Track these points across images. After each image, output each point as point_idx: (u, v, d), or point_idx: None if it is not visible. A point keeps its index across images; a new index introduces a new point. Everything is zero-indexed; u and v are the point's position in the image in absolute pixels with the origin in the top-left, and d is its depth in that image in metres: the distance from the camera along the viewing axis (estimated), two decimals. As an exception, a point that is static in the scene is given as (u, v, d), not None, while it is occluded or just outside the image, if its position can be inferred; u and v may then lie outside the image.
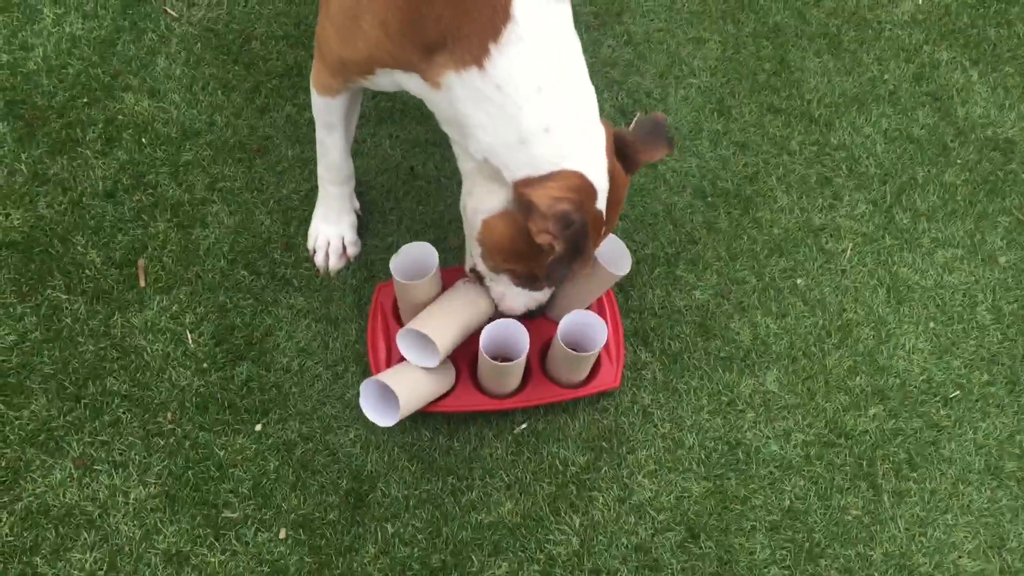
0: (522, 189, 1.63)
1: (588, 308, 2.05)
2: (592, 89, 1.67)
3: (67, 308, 2.08)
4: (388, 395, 1.86)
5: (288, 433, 2.01)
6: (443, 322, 1.88)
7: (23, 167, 2.20)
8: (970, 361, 2.22)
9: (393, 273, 1.91)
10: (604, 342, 1.90)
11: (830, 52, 2.58)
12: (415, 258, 1.95)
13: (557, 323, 1.95)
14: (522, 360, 1.88)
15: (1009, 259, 2.35)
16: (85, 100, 2.30)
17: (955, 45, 2.63)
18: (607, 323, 1.99)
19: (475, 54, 1.57)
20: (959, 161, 2.47)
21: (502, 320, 1.91)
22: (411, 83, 1.71)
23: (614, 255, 1.96)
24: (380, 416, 1.85)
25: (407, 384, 1.86)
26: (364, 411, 1.85)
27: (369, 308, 2.10)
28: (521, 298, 1.91)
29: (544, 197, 1.60)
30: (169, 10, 2.45)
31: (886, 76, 2.56)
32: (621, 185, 1.73)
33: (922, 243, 2.35)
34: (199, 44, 2.41)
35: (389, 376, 1.86)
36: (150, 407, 2.01)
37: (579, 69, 1.65)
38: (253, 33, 2.44)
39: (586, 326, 1.94)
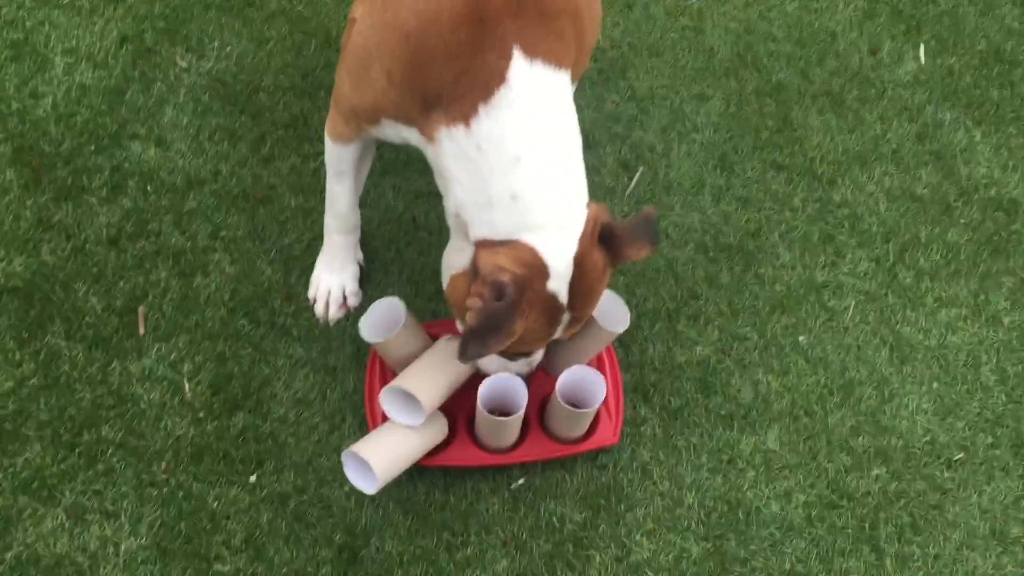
0: (477, 249, 1.63)
1: (588, 363, 2.03)
2: (580, 168, 1.66)
3: (66, 355, 2.07)
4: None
5: (283, 485, 1.99)
6: (426, 378, 1.87)
7: (28, 212, 2.22)
8: (974, 423, 2.19)
9: (363, 335, 1.91)
10: (603, 398, 1.89)
11: (833, 111, 2.59)
12: (385, 313, 1.95)
13: (555, 377, 1.93)
14: (520, 415, 1.86)
15: (1013, 320, 2.33)
16: (92, 148, 2.33)
17: (958, 105, 2.64)
18: (606, 378, 1.98)
19: (464, 112, 1.59)
20: (962, 221, 2.46)
21: (500, 375, 1.89)
22: (412, 136, 1.73)
23: (612, 312, 1.95)
24: (365, 481, 1.83)
25: (385, 451, 1.83)
26: (348, 477, 1.83)
27: (367, 359, 2.09)
28: (496, 362, 1.89)
29: (488, 262, 1.59)
30: (179, 61, 2.48)
31: (889, 135, 2.57)
32: (595, 274, 1.68)
33: (925, 302, 2.33)
34: (207, 94, 2.43)
35: (365, 445, 1.84)
36: (144, 456, 1.99)
37: (567, 145, 1.64)
38: (260, 84, 2.46)
39: (585, 381, 1.93)
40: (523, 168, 1.58)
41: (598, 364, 2.07)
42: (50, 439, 1.99)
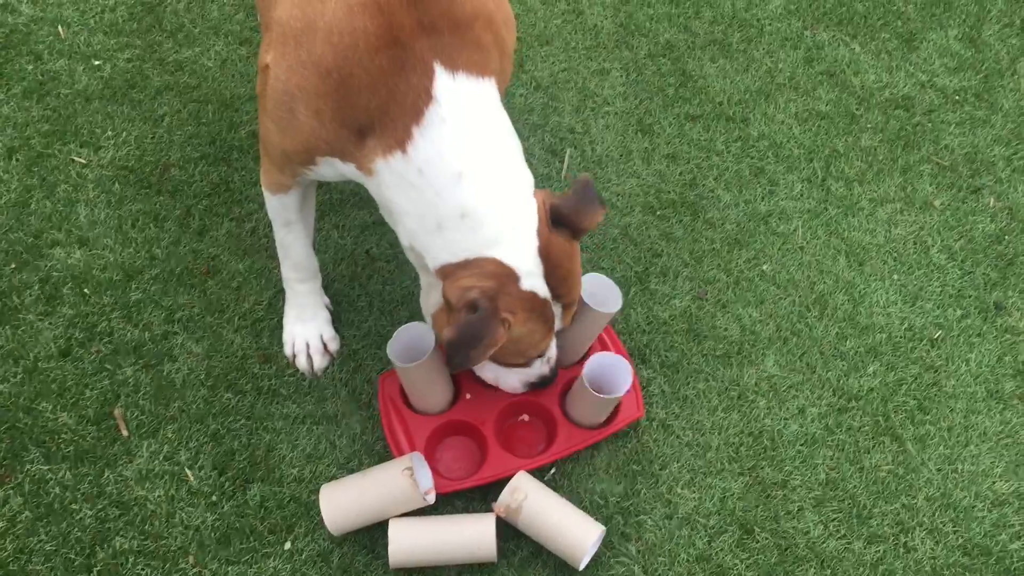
0: (442, 280, 1.63)
1: (591, 344, 2.05)
2: (523, 168, 1.66)
3: (51, 478, 1.94)
4: None
5: (320, 543, 1.92)
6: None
7: (-36, 348, 2.07)
8: (940, 301, 2.32)
9: (391, 357, 1.88)
10: (631, 381, 1.89)
11: (723, 56, 2.70)
12: (412, 338, 1.92)
13: (568, 368, 1.94)
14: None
15: (943, 201, 2.48)
16: (13, 266, 2.20)
17: (831, 25, 2.80)
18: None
19: (399, 138, 1.57)
20: (869, 126, 2.61)
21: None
22: (349, 171, 1.70)
23: (604, 294, 1.97)
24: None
25: (343, 503, 1.86)
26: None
27: (376, 399, 2.05)
28: (514, 376, 1.91)
29: (454, 290, 1.60)
30: (76, 158, 2.37)
31: (780, 66, 2.70)
32: (566, 255, 1.69)
33: (862, 205, 2.46)
34: (116, 184, 2.34)
35: (327, 492, 1.86)
36: (168, 556, 1.88)
37: (506, 148, 1.63)
38: (169, 161, 2.39)
39: (608, 367, 1.94)
40: (467, 183, 1.57)
41: (600, 344, 2.08)
42: (62, 568, 1.85)
